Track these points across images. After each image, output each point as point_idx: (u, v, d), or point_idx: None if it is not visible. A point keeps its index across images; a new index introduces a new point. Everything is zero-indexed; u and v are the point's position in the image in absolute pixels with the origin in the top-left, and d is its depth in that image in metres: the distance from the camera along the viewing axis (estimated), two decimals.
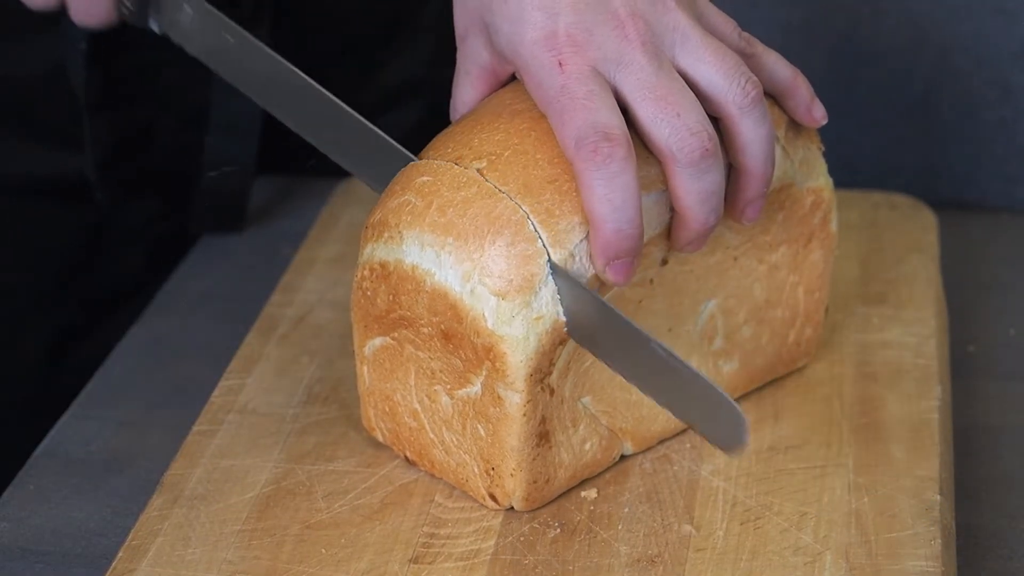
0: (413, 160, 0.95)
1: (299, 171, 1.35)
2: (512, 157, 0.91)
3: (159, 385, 1.12)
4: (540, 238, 0.89)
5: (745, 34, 0.96)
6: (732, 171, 0.94)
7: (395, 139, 1.39)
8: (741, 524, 0.93)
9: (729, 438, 0.86)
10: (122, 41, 1.15)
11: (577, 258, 0.90)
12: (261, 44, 1.01)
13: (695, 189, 0.91)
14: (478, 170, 0.91)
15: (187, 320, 1.19)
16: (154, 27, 1.04)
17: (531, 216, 0.89)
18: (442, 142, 0.94)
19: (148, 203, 1.27)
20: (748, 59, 0.94)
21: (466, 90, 0.97)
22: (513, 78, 0.96)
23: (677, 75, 0.91)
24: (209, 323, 1.18)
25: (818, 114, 0.98)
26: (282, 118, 1.01)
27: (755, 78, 0.92)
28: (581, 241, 0.90)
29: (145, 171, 1.25)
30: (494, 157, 0.91)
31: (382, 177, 0.96)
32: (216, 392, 1.05)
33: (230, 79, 1.02)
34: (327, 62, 1.31)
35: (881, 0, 1.31)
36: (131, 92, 1.20)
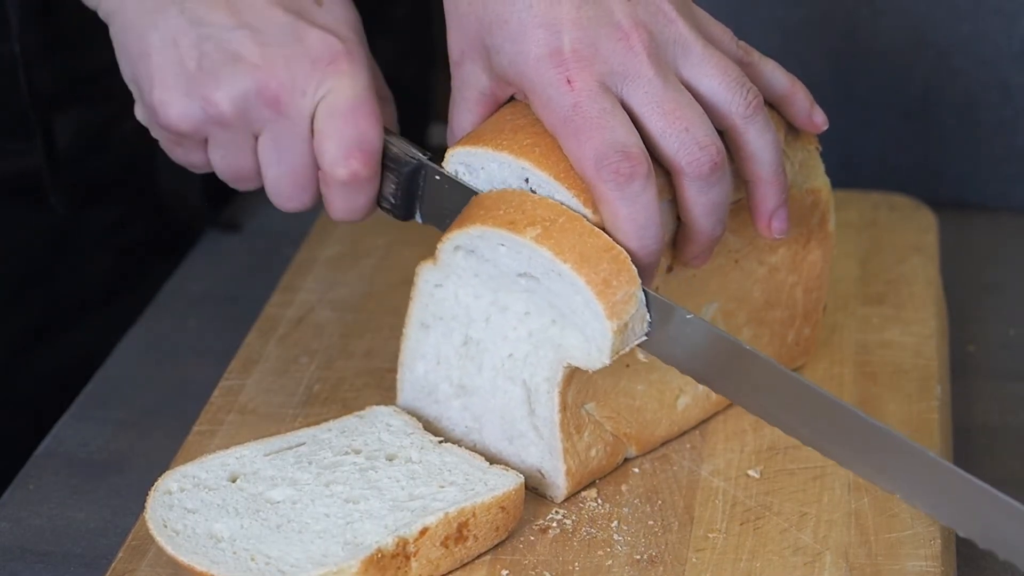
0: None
1: None
2: (567, 224, 0.91)
3: (159, 385, 1.12)
4: None
5: (742, 43, 0.96)
6: (748, 188, 0.95)
7: None
8: (741, 524, 0.93)
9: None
10: (78, 40, 1.14)
11: (630, 327, 0.90)
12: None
13: (703, 201, 0.91)
14: (533, 238, 0.90)
15: (187, 320, 1.19)
16: (419, 219, 0.99)
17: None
18: (494, 202, 0.92)
19: (109, 209, 1.25)
20: (745, 67, 0.95)
21: (464, 115, 0.96)
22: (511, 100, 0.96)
23: (683, 88, 0.91)
24: (209, 323, 1.18)
25: (819, 119, 0.98)
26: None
27: (755, 88, 0.93)
28: (635, 312, 0.90)
29: (104, 175, 1.24)
30: (548, 223, 0.91)
31: None
32: (216, 392, 1.05)
33: None
34: None
35: (881, 0, 1.31)
36: (90, 93, 1.19)
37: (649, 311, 0.91)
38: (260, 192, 1.32)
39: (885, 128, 1.35)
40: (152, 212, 1.27)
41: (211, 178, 1.26)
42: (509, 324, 0.94)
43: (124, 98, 1.22)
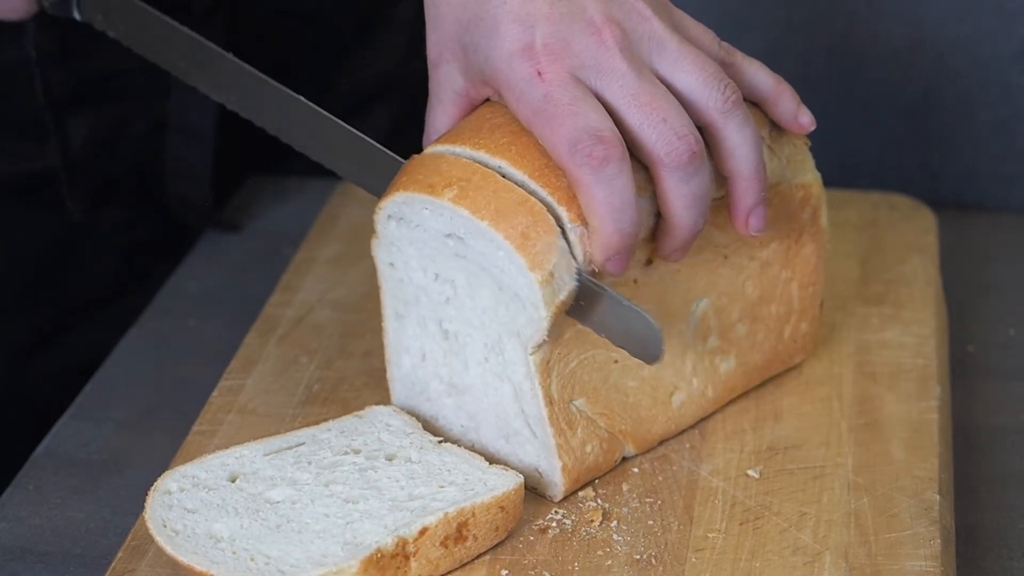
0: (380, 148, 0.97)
1: (298, 171, 1.35)
2: (481, 181, 0.91)
3: (159, 385, 1.12)
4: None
5: (724, 44, 0.96)
6: (727, 185, 0.95)
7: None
8: (740, 524, 0.93)
9: (648, 351, 0.91)
10: (91, 42, 1.15)
11: (556, 276, 0.90)
12: (186, 30, 1.01)
13: (683, 192, 0.91)
14: (450, 199, 0.91)
15: (187, 320, 1.19)
16: (76, 16, 1.05)
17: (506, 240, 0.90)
18: (414, 167, 0.94)
19: (117, 211, 1.26)
20: (728, 68, 0.95)
21: (440, 117, 0.97)
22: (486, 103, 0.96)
23: (657, 80, 0.91)
24: (209, 323, 1.18)
25: (805, 120, 0.98)
26: (236, 109, 1.02)
27: (732, 83, 0.93)
28: (558, 260, 0.90)
29: (113, 177, 1.24)
30: (464, 183, 0.91)
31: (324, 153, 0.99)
32: (216, 392, 1.05)
33: (164, 65, 1.03)
34: (294, 61, 1.30)
35: (880, 0, 1.31)
36: (103, 93, 1.19)
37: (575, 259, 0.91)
38: (260, 192, 1.33)
39: (884, 128, 1.35)
40: (159, 214, 1.27)
41: (215, 179, 1.26)
42: (466, 305, 0.94)
43: (133, 100, 1.22)
